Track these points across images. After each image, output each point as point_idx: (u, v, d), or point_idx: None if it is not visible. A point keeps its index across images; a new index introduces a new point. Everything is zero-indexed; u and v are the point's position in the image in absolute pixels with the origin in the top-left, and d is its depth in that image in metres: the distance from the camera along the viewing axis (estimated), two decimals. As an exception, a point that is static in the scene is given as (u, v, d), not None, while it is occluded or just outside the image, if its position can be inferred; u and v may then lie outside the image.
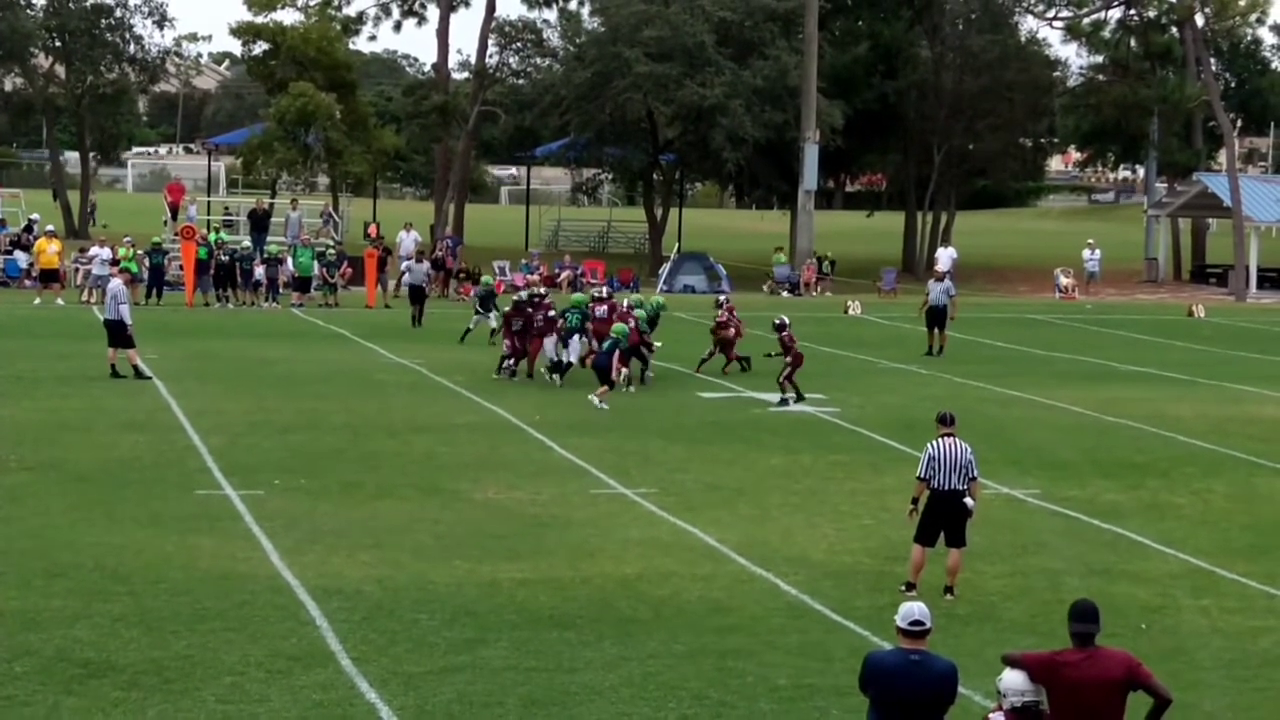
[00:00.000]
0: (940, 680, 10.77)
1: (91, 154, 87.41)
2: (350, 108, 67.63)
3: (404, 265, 51.98)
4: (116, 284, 35.18)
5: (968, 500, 18.09)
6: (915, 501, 18.41)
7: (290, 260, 53.22)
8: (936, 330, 42.06)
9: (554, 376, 34.74)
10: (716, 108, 65.56)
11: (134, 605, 17.28)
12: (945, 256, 64.11)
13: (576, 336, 35.21)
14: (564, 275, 61.50)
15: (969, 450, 18.25)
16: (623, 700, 14.80)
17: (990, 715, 10.36)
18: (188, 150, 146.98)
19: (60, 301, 50.26)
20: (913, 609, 10.92)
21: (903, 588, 18.19)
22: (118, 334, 34.01)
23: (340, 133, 65.66)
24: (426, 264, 50.58)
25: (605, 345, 32.78)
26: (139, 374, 33.63)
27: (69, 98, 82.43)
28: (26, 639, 16.01)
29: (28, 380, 33.52)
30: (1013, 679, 10.23)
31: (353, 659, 15.70)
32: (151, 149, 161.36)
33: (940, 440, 18.29)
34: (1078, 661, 10.76)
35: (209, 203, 67.81)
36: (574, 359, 34.92)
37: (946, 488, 18.08)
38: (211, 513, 21.96)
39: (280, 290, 52.31)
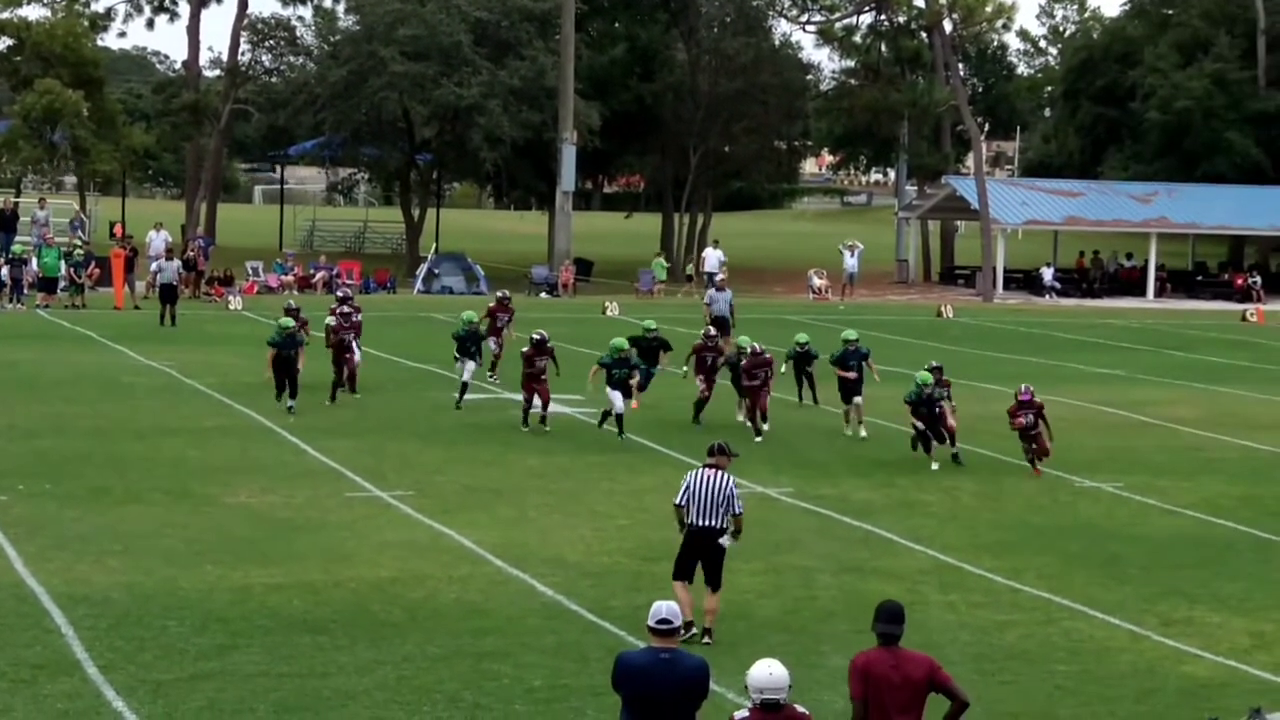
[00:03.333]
0: (689, 677, 10.87)
1: None
2: (98, 105, 66.23)
3: (154, 265, 51.06)
4: None
5: (723, 540, 16.85)
6: (681, 524, 17.10)
7: (35, 260, 52.01)
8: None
9: (605, 426, 29.79)
10: (473, 107, 65.38)
11: None
12: (713, 258, 64.68)
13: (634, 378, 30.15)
14: (319, 276, 60.88)
15: (732, 483, 16.93)
16: (377, 704, 14.67)
17: (735, 714, 10.41)
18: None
19: None
20: (661, 607, 11.04)
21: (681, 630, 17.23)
22: None
23: (88, 131, 64.28)
24: (177, 262, 49.68)
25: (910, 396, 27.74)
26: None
27: None
28: None
29: None
30: (757, 674, 10.30)
31: (99, 667, 15.37)
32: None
33: (703, 470, 17.00)
34: (883, 659, 10.94)
35: (-49, 201, 65.97)
36: (621, 407, 29.38)
37: (701, 524, 16.78)
38: (-48, 520, 21.37)
39: (25, 291, 51.08)
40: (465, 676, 15.51)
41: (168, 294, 46.58)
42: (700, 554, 16.88)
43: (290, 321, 31.40)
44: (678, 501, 16.98)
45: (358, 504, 23.32)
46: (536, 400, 29.64)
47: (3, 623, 16.74)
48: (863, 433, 30.17)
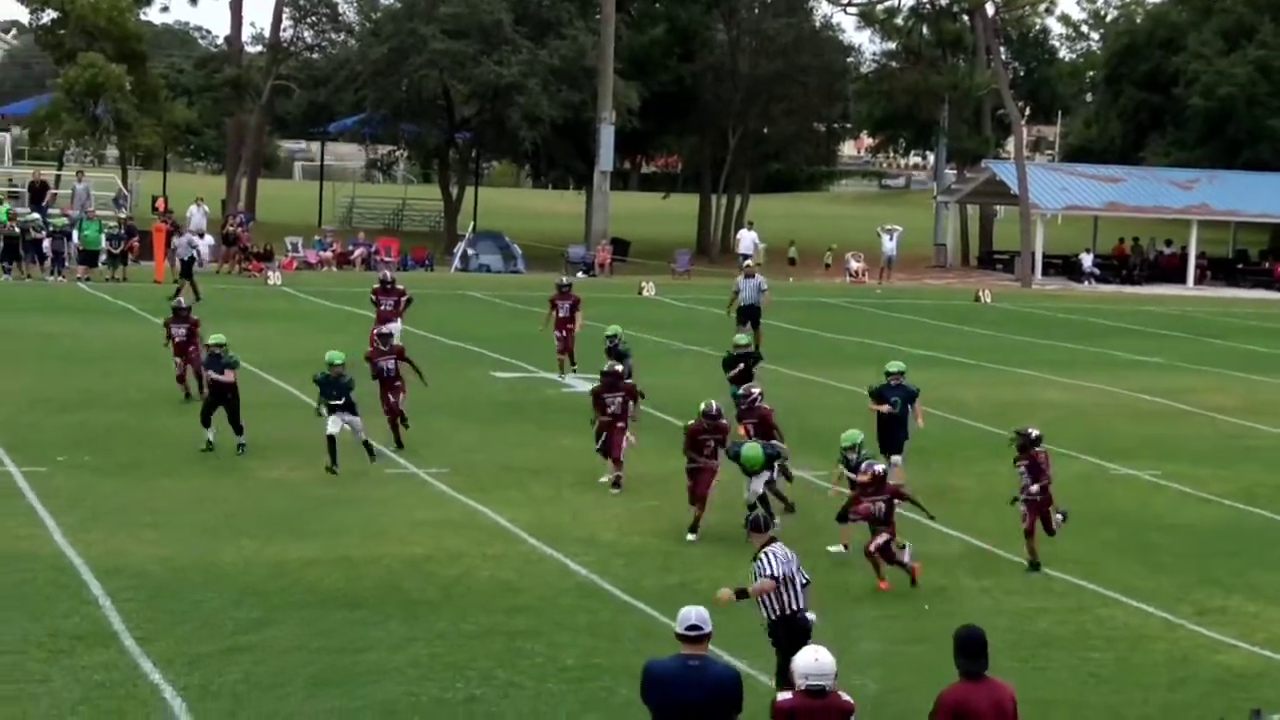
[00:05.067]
0: (718, 685, 10.51)
1: None
2: (141, 79, 66.53)
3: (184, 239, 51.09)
4: None
5: (810, 615, 13.91)
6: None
7: (76, 233, 52.19)
8: (749, 326, 37.76)
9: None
10: (513, 86, 65.44)
11: (-91, 585, 16.89)
12: (747, 239, 64.53)
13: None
14: (358, 253, 61.00)
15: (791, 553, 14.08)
16: (409, 680, 14.75)
17: (778, 696, 10.40)
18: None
19: None
20: (690, 613, 10.67)
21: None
22: None
23: (130, 105, 64.59)
24: (188, 235, 49.23)
25: None
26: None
27: None
28: None
29: None
30: (804, 660, 10.26)
31: (136, 639, 15.49)
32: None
33: (773, 550, 13.84)
34: (977, 693, 10.47)
35: (-7, 174, 66.37)
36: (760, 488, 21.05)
37: (793, 608, 13.81)
38: (-9, 490, 21.53)
39: (66, 264, 51.29)
40: (498, 654, 15.58)
41: (183, 270, 46.38)
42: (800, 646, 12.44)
43: (221, 338, 25.34)
44: (774, 574, 13.67)
45: (393, 481, 23.40)
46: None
47: (41, 593, 16.88)
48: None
